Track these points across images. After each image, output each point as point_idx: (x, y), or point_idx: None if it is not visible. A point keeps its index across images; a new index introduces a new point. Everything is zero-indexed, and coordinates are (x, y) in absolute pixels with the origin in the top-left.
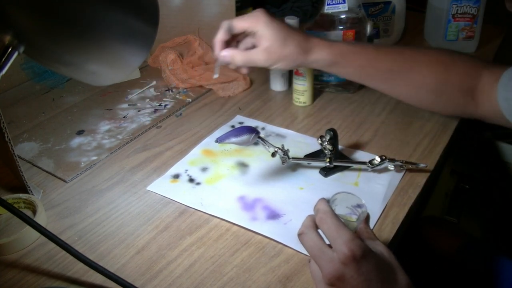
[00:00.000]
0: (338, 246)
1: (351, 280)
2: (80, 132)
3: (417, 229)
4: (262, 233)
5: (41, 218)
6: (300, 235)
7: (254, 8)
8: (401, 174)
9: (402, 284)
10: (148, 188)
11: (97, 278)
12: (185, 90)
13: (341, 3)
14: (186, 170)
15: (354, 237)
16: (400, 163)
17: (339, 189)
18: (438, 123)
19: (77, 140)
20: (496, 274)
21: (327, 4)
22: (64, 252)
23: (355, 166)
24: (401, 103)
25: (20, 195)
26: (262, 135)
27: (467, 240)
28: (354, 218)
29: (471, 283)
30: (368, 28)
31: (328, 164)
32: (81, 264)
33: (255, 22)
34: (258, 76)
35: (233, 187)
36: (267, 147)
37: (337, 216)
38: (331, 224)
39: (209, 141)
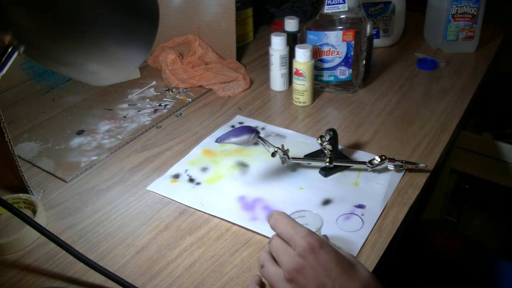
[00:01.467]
0: (297, 241)
1: (311, 271)
2: (80, 132)
3: (418, 232)
4: (262, 233)
5: (41, 218)
6: (261, 267)
7: (254, 8)
8: (401, 174)
9: (363, 275)
10: (148, 188)
11: (97, 278)
12: (185, 90)
13: (341, 3)
14: (186, 170)
15: (311, 232)
16: (400, 163)
17: (339, 189)
18: (438, 123)
19: (77, 140)
20: (498, 277)
21: (327, 4)
22: (64, 252)
23: (355, 166)
24: (401, 103)
25: (20, 195)
26: (262, 135)
27: (468, 243)
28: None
29: (473, 287)
30: (368, 28)
31: (328, 164)
32: (81, 264)
33: None
34: (258, 76)
35: (233, 187)
36: (267, 147)
37: (291, 217)
38: (287, 223)
39: (209, 141)
